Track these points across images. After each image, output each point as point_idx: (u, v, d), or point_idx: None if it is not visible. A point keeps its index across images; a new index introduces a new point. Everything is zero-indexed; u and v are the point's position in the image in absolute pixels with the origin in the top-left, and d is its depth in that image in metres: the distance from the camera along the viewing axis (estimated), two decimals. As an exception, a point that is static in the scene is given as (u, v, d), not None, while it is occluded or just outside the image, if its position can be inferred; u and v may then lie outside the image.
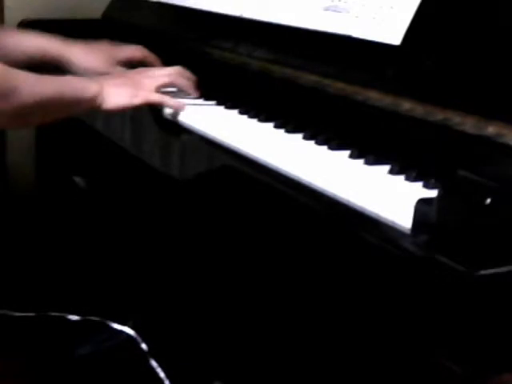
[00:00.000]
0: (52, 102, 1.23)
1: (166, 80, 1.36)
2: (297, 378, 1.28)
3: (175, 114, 1.34)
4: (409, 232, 0.85)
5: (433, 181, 0.95)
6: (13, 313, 1.17)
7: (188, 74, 1.41)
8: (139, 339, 1.14)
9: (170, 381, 1.10)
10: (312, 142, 1.14)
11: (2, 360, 1.08)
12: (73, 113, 1.35)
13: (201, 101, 1.40)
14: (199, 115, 1.32)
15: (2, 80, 1.14)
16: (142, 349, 1.13)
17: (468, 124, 0.99)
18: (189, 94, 1.40)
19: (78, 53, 1.54)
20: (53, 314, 1.17)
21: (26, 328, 1.15)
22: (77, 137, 2.05)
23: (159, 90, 1.35)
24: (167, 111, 1.36)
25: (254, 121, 1.26)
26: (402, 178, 0.99)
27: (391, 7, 1.19)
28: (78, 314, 1.17)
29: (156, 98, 1.34)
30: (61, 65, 1.54)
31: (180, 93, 1.40)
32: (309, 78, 1.28)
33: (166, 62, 1.56)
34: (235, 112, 1.32)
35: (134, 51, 1.59)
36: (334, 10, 1.29)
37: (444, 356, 0.81)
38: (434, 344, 0.83)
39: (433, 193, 0.88)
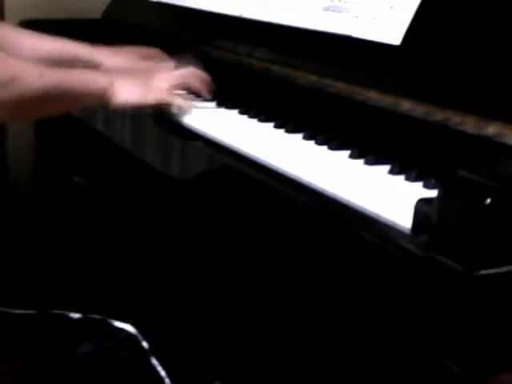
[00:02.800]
0: (56, 94, 1.21)
1: (177, 81, 1.34)
2: (297, 378, 1.29)
3: (176, 114, 1.34)
4: (409, 232, 0.85)
5: (433, 181, 0.95)
6: (14, 310, 1.17)
7: (201, 74, 1.38)
8: (140, 337, 1.14)
9: (170, 379, 1.10)
10: (312, 142, 1.14)
11: (2, 359, 1.08)
12: (80, 106, 1.33)
13: (201, 101, 1.40)
14: (199, 115, 1.32)
15: (3, 68, 1.12)
16: (142, 347, 1.13)
17: (468, 124, 0.99)
18: (199, 96, 1.39)
19: (107, 54, 1.50)
20: (54, 311, 1.17)
21: (26, 326, 1.15)
22: (77, 137, 2.05)
23: (171, 91, 1.33)
24: (167, 111, 1.36)
25: (254, 121, 1.27)
26: (401, 178, 0.99)
27: (391, 7, 1.19)
28: (79, 312, 1.17)
29: (167, 98, 1.32)
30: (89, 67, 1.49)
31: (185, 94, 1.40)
32: (309, 78, 1.28)
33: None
34: (235, 112, 1.32)
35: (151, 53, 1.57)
36: (334, 10, 1.30)
37: (444, 356, 0.81)
38: (434, 344, 0.83)
39: (433, 193, 0.88)
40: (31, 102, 1.18)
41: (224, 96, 1.38)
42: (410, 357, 0.94)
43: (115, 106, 1.28)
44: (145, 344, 1.13)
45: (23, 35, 1.50)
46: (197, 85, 1.37)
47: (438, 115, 1.03)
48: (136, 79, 1.33)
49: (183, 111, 1.32)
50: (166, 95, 1.32)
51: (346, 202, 0.95)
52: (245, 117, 1.29)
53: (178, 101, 1.32)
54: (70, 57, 1.47)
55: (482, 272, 0.76)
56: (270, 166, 1.09)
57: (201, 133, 1.27)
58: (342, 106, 1.20)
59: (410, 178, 0.98)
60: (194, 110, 1.34)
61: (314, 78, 1.27)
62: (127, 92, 1.28)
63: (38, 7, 2.17)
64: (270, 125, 1.24)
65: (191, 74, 1.37)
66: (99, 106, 1.53)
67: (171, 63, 1.49)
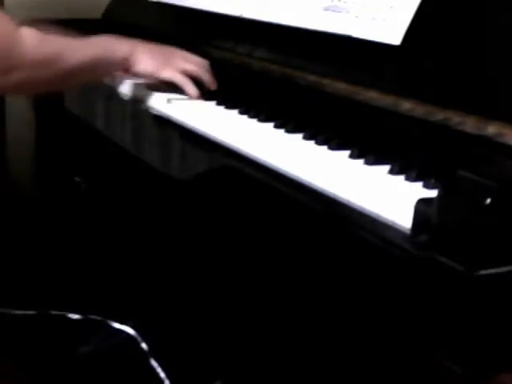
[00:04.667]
0: (91, 65, 1.30)
1: (194, 68, 1.41)
2: (297, 378, 1.29)
3: (176, 113, 1.34)
4: (409, 232, 0.85)
5: (433, 181, 0.95)
6: (14, 311, 1.17)
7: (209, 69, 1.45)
8: (139, 339, 1.14)
9: (169, 380, 1.10)
10: (312, 142, 1.14)
11: (2, 360, 1.08)
12: (107, 74, 1.43)
13: (201, 100, 1.40)
14: (199, 115, 1.32)
15: (45, 48, 1.20)
16: (142, 348, 1.14)
17: (468, 124, 0.99)
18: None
19: None
20: (53, 312, 1.17)
21: (26, 326, 1.15)
22: (77, 136, 2.05)
23: (184, 73, 1.39)
24: (168, 110, 1.36)
25: (254, 121, 1.26)
26: (401, 178, 0.99)
27: (391, 7, 1.19)
28: (78, 313, 1.17)
29: (179, 79, 1.39)
30: None
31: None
32: (309, 78, 1.28)
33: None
34: (235, 112, 1.32)
35: None
36: (334, 10, 1.30)
37: (444, 356, 0.81)
38: (434, 344, 0.83)
39: (433, 193, 0.88)
40: (71, 75, 1.26)
41: (224, 96, 1.38)
42: (410, 357, 0.94)
43: (132, 72, 1.38)
44: (144, 345, 1.13)
45: None
46: (207, 77, 1.42)
47: (438, 115, 1.03)
48: (157, 51, 1.41)
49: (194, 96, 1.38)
50: (179, 76, 1.38)
51: (345, 202, 0.95)
52: (245, 117, 1.29)
53: (189, 86, 1.38)
54: None
55: (482, 272, 0.76)
56: (269, 165, 1.09)
57: (201, 133, 1.27)
58: (342, 106, 1.19)
59: (410, 178, 0.98)
60: (191, 108, 1.34)
61: (313, 78, 1.27)
62: (145, 62, 1.37)
63: (37, 7, 2.17)
64: (270, 125, 1.24)
65: (204, 64, 1.43)
66: (102, 101, 1.55)
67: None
